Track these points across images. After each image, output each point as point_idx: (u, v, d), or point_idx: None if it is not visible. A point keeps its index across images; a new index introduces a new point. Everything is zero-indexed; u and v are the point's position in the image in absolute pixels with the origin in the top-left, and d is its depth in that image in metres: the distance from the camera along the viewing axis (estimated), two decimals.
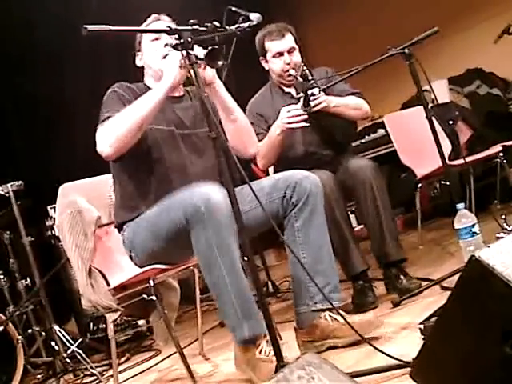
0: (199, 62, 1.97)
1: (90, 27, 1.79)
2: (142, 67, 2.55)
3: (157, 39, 2.45)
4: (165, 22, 2.48)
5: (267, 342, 2.01)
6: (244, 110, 3.08)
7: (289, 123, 2.83)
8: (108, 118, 2.25)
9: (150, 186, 2.36)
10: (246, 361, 2.08)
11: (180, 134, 2.42)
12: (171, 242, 2.21)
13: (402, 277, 2.88)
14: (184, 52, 1.92)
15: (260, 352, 2.03)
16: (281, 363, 1.79)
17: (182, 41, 1.92)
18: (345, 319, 2.06)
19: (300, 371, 1.38)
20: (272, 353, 1.91)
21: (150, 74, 2.51)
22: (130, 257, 2.40)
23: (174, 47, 2.04)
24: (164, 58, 2.34)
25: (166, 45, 2.35)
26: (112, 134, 2.20)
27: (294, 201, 2.34)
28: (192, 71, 1.92)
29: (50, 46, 4.79)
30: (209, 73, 2.25)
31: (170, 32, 1.98)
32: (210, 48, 1.98)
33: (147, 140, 2.33)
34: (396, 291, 2.86)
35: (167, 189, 2.27)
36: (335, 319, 2.28)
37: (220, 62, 2.02)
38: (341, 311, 2.15)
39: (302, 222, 2.34)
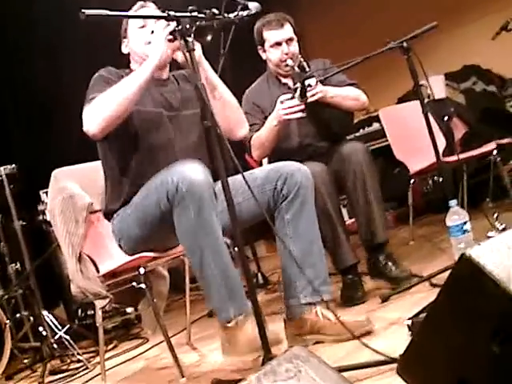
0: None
1: (88, 11, 1.77)
2: (128, 54, 2.54)
3: (143, 26, 2.44)
4: (150, 9, 2.46)
5: (252, 322, 2.00)
6: (240, 100, 3.07)
7: (285, 114, 2.81)
8: (94, 98, 2.23)
9: (138, 167, 2.35)
10: (229, 340, 2.05)
11: (168, 115, 2.41)
12: (156, 226, 2.19)
13: (390, 264, 2.87)
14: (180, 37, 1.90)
15: (244, 331, 2.01)
16: (268, 355, 1.79)
17: (180, 27, 1.90)
18: (338, 319, 2.05)
19: (288, 364, 1.38)
20: (256, 332, 1.89)
21: (136, 60, 2.49)
22: (120, 246, 2.38)
23: (172, 34, 2.02)
24: (149, 43, 2.33)
25: (152, 32, 2.33)
26: (98, 112, 2.18)
27: (284, 193, 2.32)
28: (189, 57, 1.90)
29: (47, 32, 4.76)
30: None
31: (168, 18, 1.96)
32: (197, 24, 1.95)
33: (135, 122, 2.31)
34: (383, 278, 2.84)
35: (154, 170, 2.25)
36: (326, 316, 2.27)
37: (208, 38, 1.99)
38: (333, 309, 2.14)
39: (292, 215, 2.32)
